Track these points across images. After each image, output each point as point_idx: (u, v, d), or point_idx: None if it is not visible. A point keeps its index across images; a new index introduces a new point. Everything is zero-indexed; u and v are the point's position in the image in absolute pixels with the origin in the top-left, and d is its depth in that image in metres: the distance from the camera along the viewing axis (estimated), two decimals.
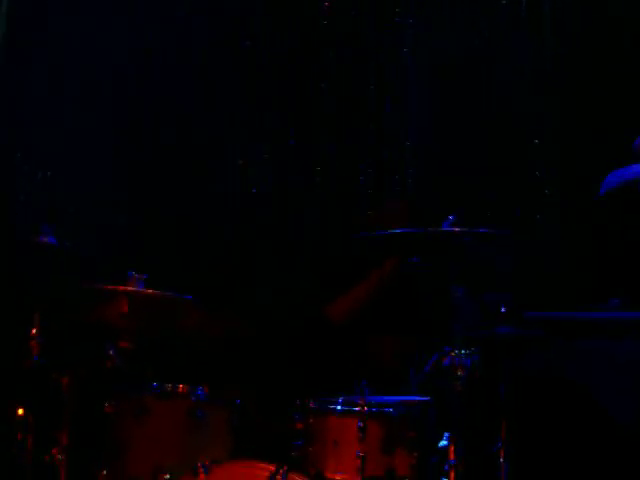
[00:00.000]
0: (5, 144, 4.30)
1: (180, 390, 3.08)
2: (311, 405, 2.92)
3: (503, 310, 3.01)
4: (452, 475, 2.55)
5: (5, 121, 4.32)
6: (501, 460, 2.98)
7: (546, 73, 4.27)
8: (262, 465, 2.78)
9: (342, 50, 4.41)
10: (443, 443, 2.59)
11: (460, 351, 2.54)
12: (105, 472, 2.99)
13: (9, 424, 3.02)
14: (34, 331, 2.99)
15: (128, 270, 2.77)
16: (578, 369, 3.37)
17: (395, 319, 3.26)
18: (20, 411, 3.03)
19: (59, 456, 2.94)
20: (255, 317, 3.26)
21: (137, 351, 2.82)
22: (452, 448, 2.57)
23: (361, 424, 2.78)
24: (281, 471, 2.67)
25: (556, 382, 3.41)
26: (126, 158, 4.18)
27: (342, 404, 2.90)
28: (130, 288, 2.69)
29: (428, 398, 2.75)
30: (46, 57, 4.24)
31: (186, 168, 4.18)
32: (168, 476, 2.90)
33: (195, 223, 3.96)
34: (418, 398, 2.83)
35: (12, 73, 4.22)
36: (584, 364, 3.38)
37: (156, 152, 4.23)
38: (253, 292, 3.50)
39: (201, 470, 2.76)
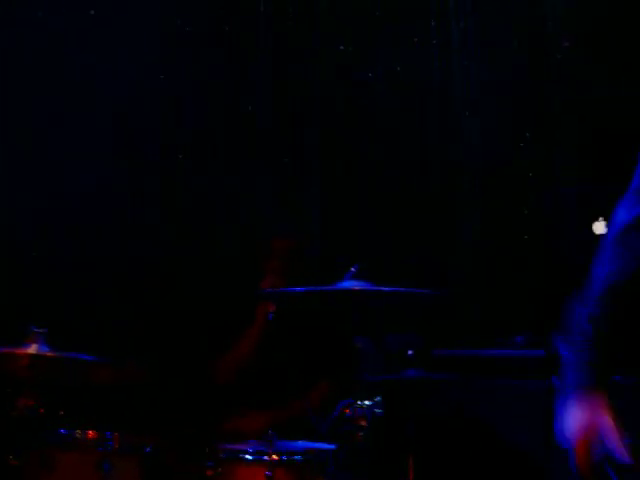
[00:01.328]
0: None
1: (90, 436, 3.04)
2: (220, 454, 2.93)
3: (410, 352, 3.06)
4: None
5: None
6: None
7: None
8: None
9: None
10: None
11: (363, 402, 2.57)
12: None
13: None
14: None
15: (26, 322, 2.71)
16: (484, 407, 3.45)
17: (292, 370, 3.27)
18: None
19: None
20: (158, 368, 3.23)
21: (42, 405, 2.76)
22: None
23: (269, 473, 2.79)
24: None
25: (463, 420, 3.48)
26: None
27: (251, 453, 2.91)
28: (30, 351, 2.63)
29: (334, 446, 2.77)
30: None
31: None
32: None
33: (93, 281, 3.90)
34: (325, 445, 2.85)
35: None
36: (491, 401, 3.46)
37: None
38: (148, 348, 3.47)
39: None
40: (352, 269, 2.56)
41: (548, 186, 4.08)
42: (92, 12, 4.31)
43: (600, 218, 3.55)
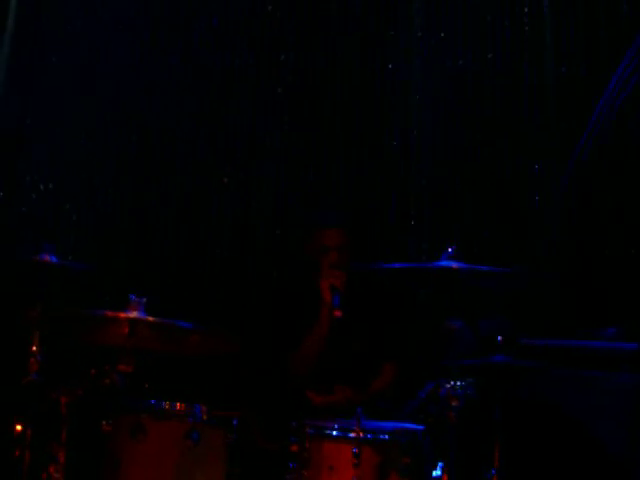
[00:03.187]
0: (8, 156, 4.35)
1: (178, 409, 3.13)
2: (307, 429, 2.96)
3: (499, 339, 3.04)
4: None
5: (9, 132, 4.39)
6: None
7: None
8: None
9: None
10: (437, 473, 2.62)
11: (456, 382, 2.57)
12: None
13: (7, 440, 3.04)
14: (33, 349, 3.04)
15: (128, 291, 2.80)
16: (572, 398, 3.40)
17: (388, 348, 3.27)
18: (18, 427, 3.06)
19: (56, 474, 2.96)
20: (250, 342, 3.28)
21: (136, 372, 2.84)
22: (445, 478, 2.60)
23: (356, 450, 2.81)
24: None
25: (550, 410, 3.44)
26: (127, 179, 4.24)
27: (338, 429, 2.94)
28: (131, 315, 2.72)
29: (422, 426, 2.77)
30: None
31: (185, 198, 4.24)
32: None
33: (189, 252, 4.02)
34: (413, 426, 2.85)
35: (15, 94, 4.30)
36: (578, 393, 3.41)
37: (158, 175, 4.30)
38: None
39: None
40: (449, 250, 2.56)
41: None
42: None
43: None
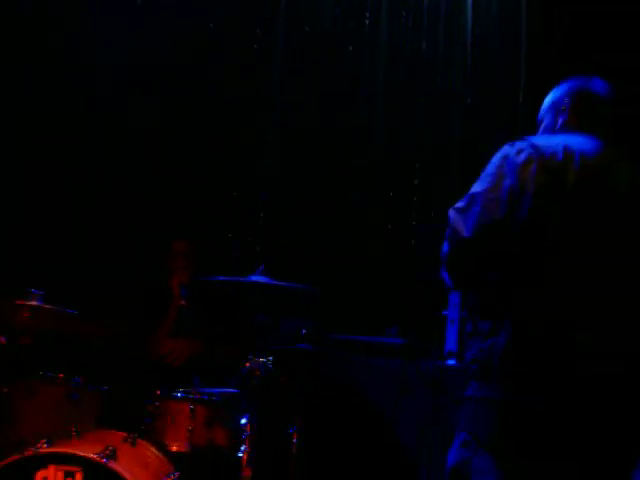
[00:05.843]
0: None
1: (61, 377, 4.09)
2: (157, 392, 4.03)
3: (303, 332, 4.20)
4: (247, 442, 3.71)
5: None
6: (294, 440, 4.17)
7: None
8: (119, 433, 3.85)
9: None
10: (243, 421, 3.74)
11: (259, 359, 3.70)
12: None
13: None
14: None
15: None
16: (359, 378, 4.62)
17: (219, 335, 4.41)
18: None
19: None
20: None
21: (32, 346, 3.84)
22: (249, 425, 3.72)
23: (192, 407, 3.92)
24: (132, 436, 3.75)
25: (344, 386, 4.65)
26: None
27: (181, 392, 4.02)
28: (33, 303, 3.76)
29: (238, 390, 3.91)
30: None
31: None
32: (46, 440, 3.88)
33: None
34: (232, 390, 3.99)
35: None
36: (364, 374, 4.63)
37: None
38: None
39: (74, 434, 3.74)
40: (260, 267, 3.70)
41: None
42: None
43: None
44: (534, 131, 2.71)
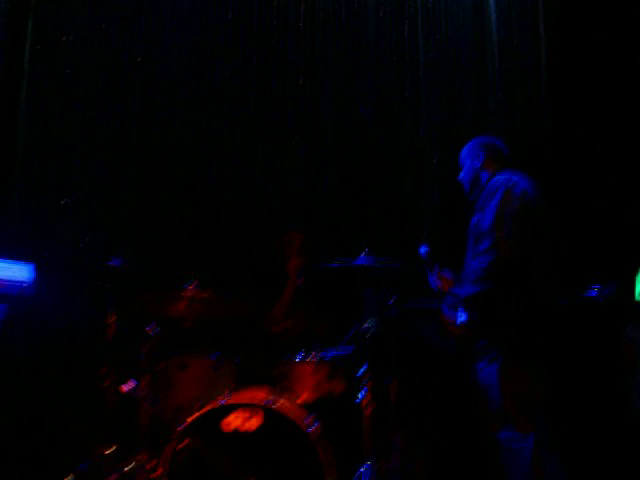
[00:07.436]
0: None
1: (204, 352, 4.88)
2: (280, 359, 4.91)
3: (390, 302, 5.14)
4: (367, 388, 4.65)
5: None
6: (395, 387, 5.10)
7: None
8: (263, 388, 4.76)
9: None
10: (361, 371, 4.69)
11: (367, 322, 4.65)
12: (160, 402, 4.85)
13: None
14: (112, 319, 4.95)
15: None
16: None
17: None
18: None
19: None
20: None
21: (190, 329, 4.86)
22: (365, 376, 4.66)
23: (314, 366, 4.83)
24: (276, 389, 4.68)
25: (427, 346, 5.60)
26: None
27: (300, 357, 4.92)
28: (189, 293, 4.81)
29: (352, 349, 4.88)
30: None
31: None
32: (200, 403, 4.60)
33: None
34: (346, 350, 4.96)
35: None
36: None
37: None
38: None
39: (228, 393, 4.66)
40: (365, 251, 4.67)
41: None
42: None
43: None
44: None
